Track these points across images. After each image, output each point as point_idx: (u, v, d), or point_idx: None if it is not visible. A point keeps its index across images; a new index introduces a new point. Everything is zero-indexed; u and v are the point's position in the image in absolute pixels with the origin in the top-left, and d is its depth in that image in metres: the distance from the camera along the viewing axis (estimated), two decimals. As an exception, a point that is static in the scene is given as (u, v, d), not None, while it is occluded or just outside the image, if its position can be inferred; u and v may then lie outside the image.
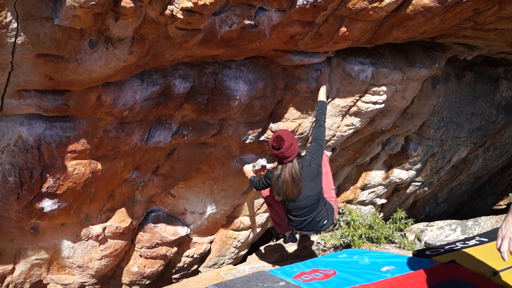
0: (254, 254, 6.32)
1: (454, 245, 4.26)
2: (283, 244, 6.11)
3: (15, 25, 2.69)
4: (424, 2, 3.53)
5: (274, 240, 6.85)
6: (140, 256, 5.33)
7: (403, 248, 6.02)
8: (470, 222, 5.97)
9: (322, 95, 4.38)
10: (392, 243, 6.33)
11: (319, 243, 6.50)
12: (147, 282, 5.60)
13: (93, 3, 2.56)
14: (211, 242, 5.82)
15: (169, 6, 2.90)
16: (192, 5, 2.86)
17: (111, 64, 3.14)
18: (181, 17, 2.94)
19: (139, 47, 3.15)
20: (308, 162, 4.20)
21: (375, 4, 3.47)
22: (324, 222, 4.35)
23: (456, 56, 5.51)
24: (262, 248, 6.46)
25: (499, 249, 2.37)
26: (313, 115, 4.68)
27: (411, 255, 4.37)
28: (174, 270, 5.88)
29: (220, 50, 3.60)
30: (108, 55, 3.07)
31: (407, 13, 3.67)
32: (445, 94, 6.13)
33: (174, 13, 2.92)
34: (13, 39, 2.75)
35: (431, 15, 3.68)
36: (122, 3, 2.70)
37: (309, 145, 4.38)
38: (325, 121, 4.37)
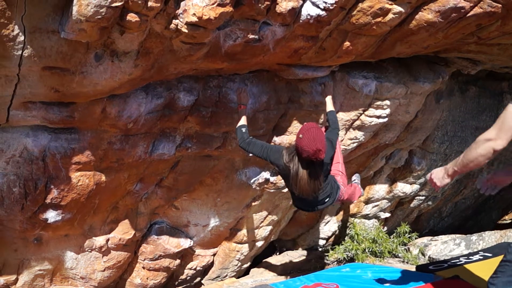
0: (257, 267, 6.29)
1: (457, 260, 4.25)
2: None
3: (22, 38, 2.73)
4: (427, 17, 3.55)
5: (277, 253, 6.82)
6: (143, 268, 5.32)
7: (407, 263, 5.98)
8: (474, 236, 5.93)
9: (330, 105, 4.28)
10: (396, 257, 6.29)
11: (322, 257, 6.47)
12: (149, 294, 5.59)
13: (99, 17, 2.60)
14: (214, 255, 5.80)
15: (174, 21, 2.93)
16: (197, 20, 2.89)
17: (116, 77, 3.17)
18: (186, 31, 2.97)
19: (144, 60, 3.18)
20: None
21: (379, 19, 3.49)
22: (325, 200, 3.98)
23: (460, 71, 5.51)
24: (265, 261, 6.44)
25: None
26: (317, 128, 4.67)
27: (414, 269, 4.35)
28: (176, 283, 5.85)
29: (224, 63, 3.62)
30: (113, 68, 3.10)
31: (411, 28, 3.69)
32: (449, 108, 6.12)
33: (179, 27, 2.95)
34: (20, 52, 2.79)
35: (434, 30, 3.70)
36: (128, 17, 2.73)
37: None
38: (339, 129, 4.22)
